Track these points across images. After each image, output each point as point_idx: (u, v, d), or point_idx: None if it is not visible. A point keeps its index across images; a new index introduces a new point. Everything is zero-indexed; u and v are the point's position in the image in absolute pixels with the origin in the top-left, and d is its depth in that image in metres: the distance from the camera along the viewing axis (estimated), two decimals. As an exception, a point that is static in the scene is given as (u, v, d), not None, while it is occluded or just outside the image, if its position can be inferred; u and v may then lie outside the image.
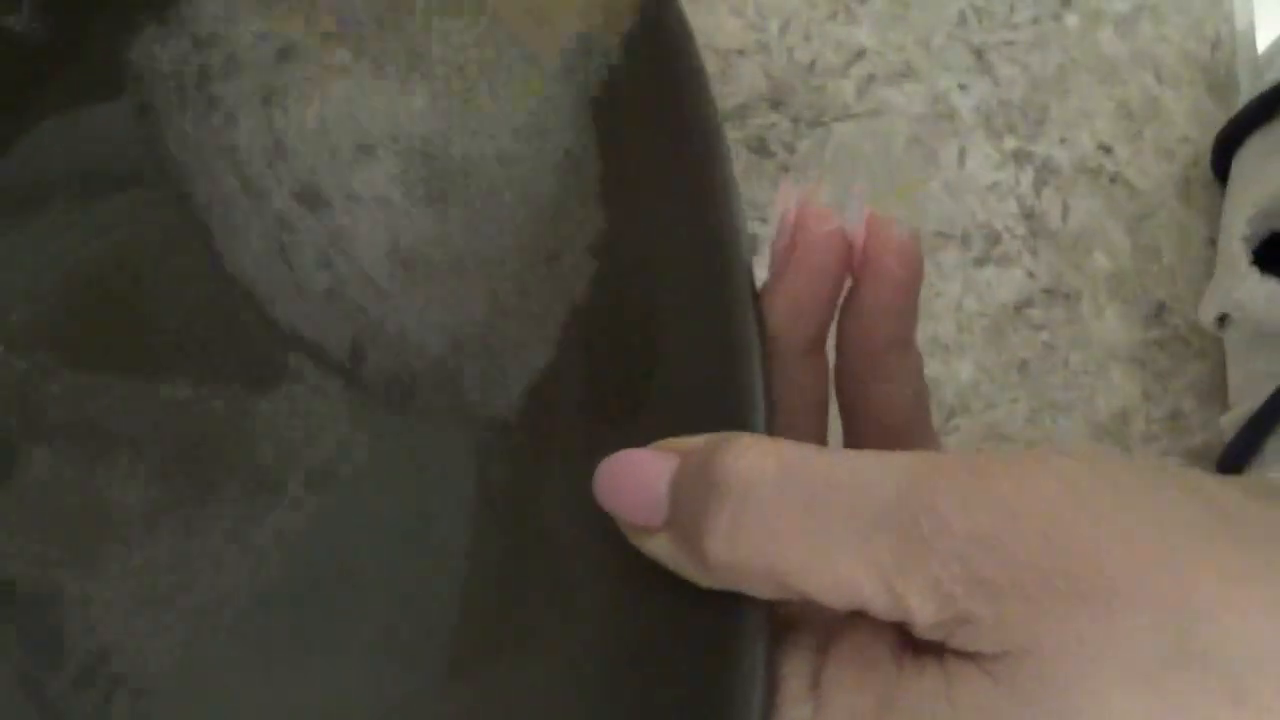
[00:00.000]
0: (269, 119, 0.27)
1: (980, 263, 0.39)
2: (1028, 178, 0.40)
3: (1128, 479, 0.20)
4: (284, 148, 0.27)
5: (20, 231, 0.27)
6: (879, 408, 0.25)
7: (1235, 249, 0.36)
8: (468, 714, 0.24)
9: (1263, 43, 0.42)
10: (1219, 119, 0.41)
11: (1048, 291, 0.39)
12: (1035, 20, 0.42)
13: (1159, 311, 0.39)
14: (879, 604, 0.20)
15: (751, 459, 0.21)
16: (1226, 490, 0.20)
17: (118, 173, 0.28)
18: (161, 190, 0.27)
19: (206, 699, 0.25)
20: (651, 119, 0.26)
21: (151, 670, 0.25)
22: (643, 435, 0.23)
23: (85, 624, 0.25)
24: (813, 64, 0.41)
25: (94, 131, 0.28)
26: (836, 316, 0.25)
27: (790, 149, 0.40)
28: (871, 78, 0.41)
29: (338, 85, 0.28)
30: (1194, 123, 0.41)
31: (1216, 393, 0.39)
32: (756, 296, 0.24)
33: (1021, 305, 0.39)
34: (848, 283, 0.25)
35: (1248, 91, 0.41)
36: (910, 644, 0.21)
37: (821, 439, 0.25)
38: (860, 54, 0.41)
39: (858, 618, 0.21)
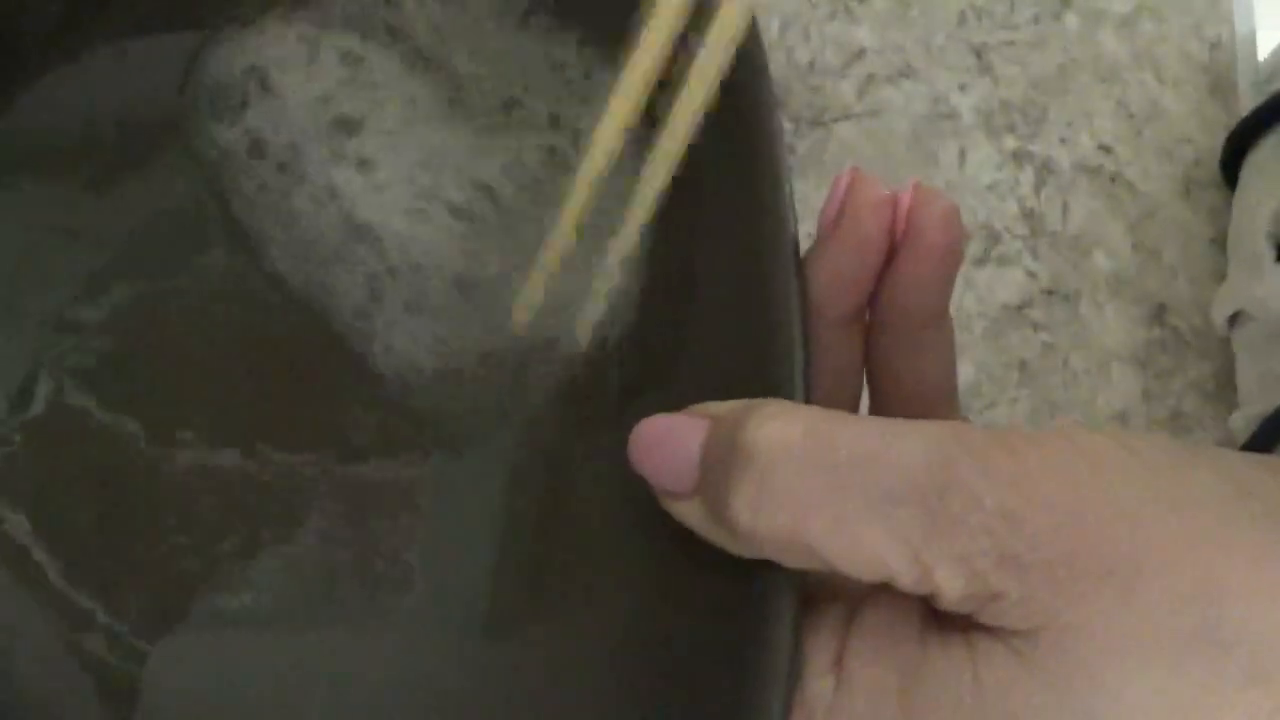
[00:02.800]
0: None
1: (980, 263, 0.39)
2: (1028, 178, 0.40)
3: (1156, 457, 0.20)
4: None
5: (39, 196, 0.27)
6: (910, 381, 0.25)
7: (1258, 246, 0.35)
8: (502, 675, 0.24)
9: (1263, 43, 0.42)
10: (1219, 119, 0.41)
11: (1048, 291, 0.39)
12: (1035, 20, 0.42)
13: (1159, 311, 0.39)
14: (906, 577, 0.20)
15: (778, 426, 0.20)
16: (1256, 471, 0.20)
17: (159, 128, 0.27)
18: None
19: (244, 664, 0.25)
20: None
21: (185, 634, 0.25)
22: (679, 401, 0.23)
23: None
24: (813, 64, 0.41)
25: (142, 73, 0.27)
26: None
27: (790, 149, 0.40)
28: (871, 78, 0.41)
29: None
30: (1194, 123, 0.41)
31: (1218, 393, 0.39)
32: (800, 264, 0.24)
33: (1021, 305, 0.39)
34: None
35: (1248, 92, 0.41)
36: (935, 619, 0.21)
37: (854, 409, 0.25)
38: (860, 54, 0.41)
39: (883, 591, 0.21)
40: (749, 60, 0.25)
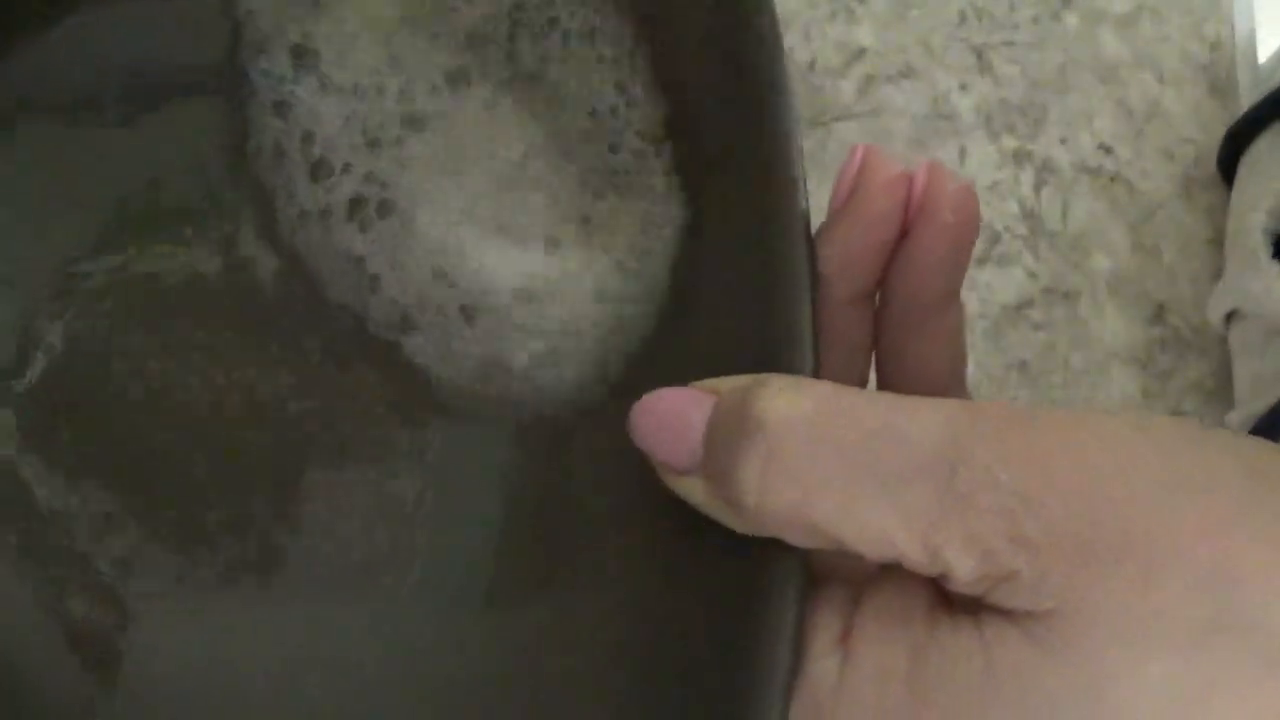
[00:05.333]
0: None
1: (980, 263, 0.39)
2: (1028, 178, 0.40)
3: (1171, 441, 0.19)
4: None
5: (58, 145, 0.26)
6: (918, 363, 0.24)
7: (1254, 242, 0.35)
8: (503, 648, 0.24)
9: (1263, 42, 0.42)
10: (1219, 119, 0.41)
11: (1048, 291, 0.39)
12: (1035, 20, 0.42)
13: (1159, 311, 0.39)
14: (915, 556, 0.19)
15: (787, 400, 0.20)
16: (1273, 457, 0.20)
17: (185, 77, 0.27)
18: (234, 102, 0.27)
19: (236, 636, 0.25)
20: (713, 61, 0.25)
21: (175, 602, 0.25)
22: (685, 377, 0.22)
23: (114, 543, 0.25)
24: (813, 64, 0.41)
25: (166, 21, 0.27)
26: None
27: (790, 149, 0.40)
28: (871, 78, 0.41)
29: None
30: (1194, 123, 0.41)
31: (1217, 392, 0.39)
32: (811, 241, 0.24)
33: (1021, 305, 0.39)
34: None
35: (1248, 92, 0.41)
36: (945, 601, 0.21)
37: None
38: (860, 54, 0.41)
39: (892, 571, 0.21)
40: (761, 34, 0.24)
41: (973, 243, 0.23)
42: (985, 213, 0.40)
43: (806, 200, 0.24)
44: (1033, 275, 0.39)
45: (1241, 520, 0.19)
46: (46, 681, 0.24)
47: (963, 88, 0.41)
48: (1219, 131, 0.40)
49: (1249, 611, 0.18)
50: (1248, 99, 0.40)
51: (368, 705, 0.24)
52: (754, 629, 0.21)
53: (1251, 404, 0.36)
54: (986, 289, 0.39)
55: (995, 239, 0.40)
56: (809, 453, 0.20)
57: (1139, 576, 0.18)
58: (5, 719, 0.24)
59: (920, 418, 0.19)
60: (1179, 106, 0.41)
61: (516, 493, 0.25)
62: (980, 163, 0.40)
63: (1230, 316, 0.37)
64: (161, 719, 0.24)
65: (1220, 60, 0.42)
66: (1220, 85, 0.42)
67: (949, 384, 0.24)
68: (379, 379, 0.26)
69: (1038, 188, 0.40)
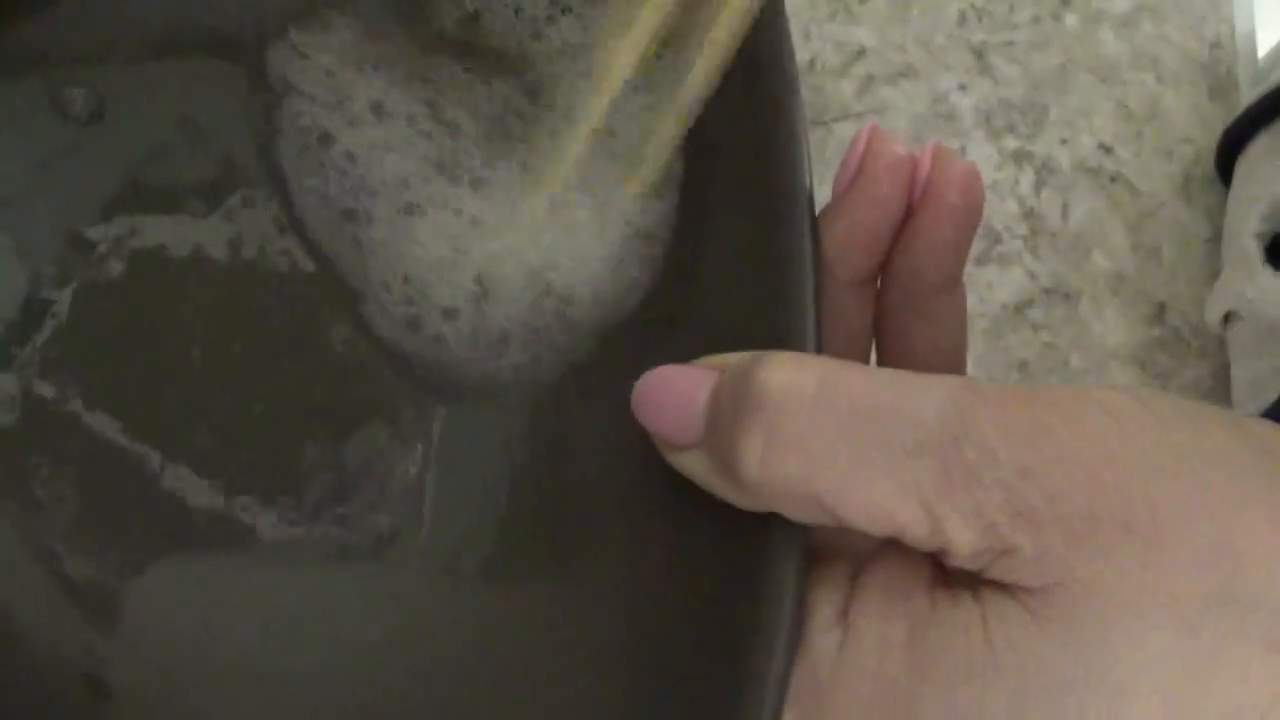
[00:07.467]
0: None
1: (980, 263, 0.39)
2: (1028, 178, 0.40)
3: (1177, 418, 0.19)
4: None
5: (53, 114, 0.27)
6: (920, 348, 0.24)
7: (1247, 246, 0.35)
8: (504, 620, 0.24)
9: (1263, 42, 0.42)
10: (1219, 119, 0.41)
11: (1048, 291, 0.39)
12: (1035, 20, 0.42)
13: (1159, 311, 0.39)
14: (917, 530, 0.19)
15: (790, 373, 0.20)
16: (1273, 433, 0.20)
17: (207, 45, 0.27)
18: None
19: (235, 596, 0.25)
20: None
21: (174, 560, 0.25)
22: (688, 355, 0.22)
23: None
24: (813, 64, 0.41)
25: None
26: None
27: (790, 149, 0.40)
28: (871, 78, 0.41)
29: None
30: (1194, 123, 0.41)
31: (1217, 393, 0.39)
32: (815, 222, 0.24)
33: (1021, 305, 0.39)
34: None
35: (1248, 92, 0.41)
36: (944, 577, 0.21)
37: None
38: (860, 54, 0.41)
39: (892, 547, 0.21)
40: (767, 14, 0.24)
41: (976, 225, 0.23)
42: (985, 213, 0.40)
43: (811, 180, 0.24)
44: (1033, 275, 0.39)
45: (1245, 494, 0.19)
46: (43, 630, 0.24)
47: (963, 88, 0.41)
48: (1219, 131, 0.40)
49: (1253, 588, 0.18)
50: (1247, 99, 0.40)
51: (366, 672, 0.24)
52: (755, 604, 0.21)
53: (1249, 404, 0.36)
54: (986, 289, 0.39)
55: (995, 239, 0.40)
56: (811, 426, 0.20)
57: (1142, 549, 0.18)
58: (3, 665, 0.24)
59: (925, 392, 0.19)
60: (1179, 106, 0.41)
61: (519, 467, 0.25)
62: (980, 163, 0.40)
63: (1228, 318, 0.37)
64: (159, 670, 0.24)
65: (1220, 60, 0.42)
66: (1220, 85, 0.42)
67: (950, 367, 0.24)
68: (384, 353, 0.26)
69: (1038, 188, 0.40)
